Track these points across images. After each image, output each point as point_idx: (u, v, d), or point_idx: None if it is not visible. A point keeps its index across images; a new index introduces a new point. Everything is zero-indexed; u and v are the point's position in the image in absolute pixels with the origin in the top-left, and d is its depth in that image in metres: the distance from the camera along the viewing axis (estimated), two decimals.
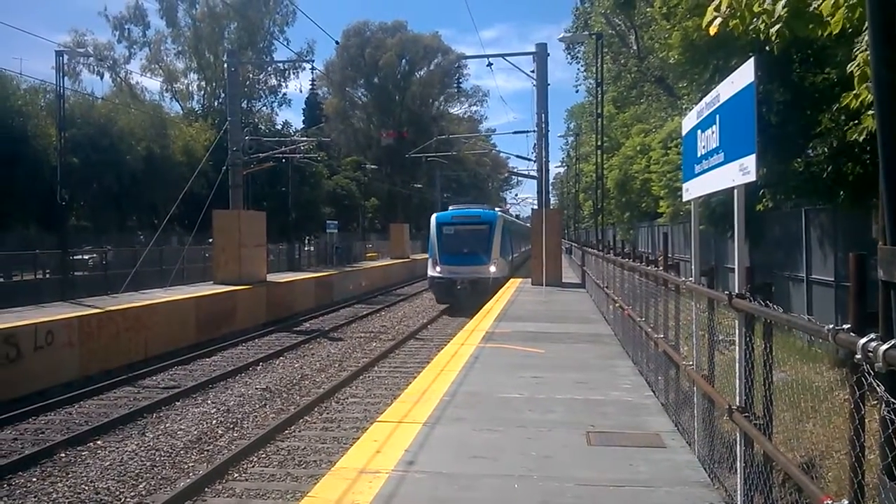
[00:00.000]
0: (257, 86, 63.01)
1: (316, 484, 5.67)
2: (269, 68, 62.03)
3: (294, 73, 63.85)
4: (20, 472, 9.93)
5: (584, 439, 6.86)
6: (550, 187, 48.35)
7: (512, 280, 28.68)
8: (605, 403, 8.32)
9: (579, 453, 6.46)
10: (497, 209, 36.68)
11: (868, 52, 5.58)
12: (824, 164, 11.36)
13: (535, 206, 30.37)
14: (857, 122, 8.81)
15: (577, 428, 7.21)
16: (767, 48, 9.14)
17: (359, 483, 5.62)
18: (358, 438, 7.27)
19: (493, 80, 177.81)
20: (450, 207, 34.94)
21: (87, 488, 9.35)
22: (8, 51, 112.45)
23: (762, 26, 6.15)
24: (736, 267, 5.45)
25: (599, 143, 29.52)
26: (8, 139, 28.37)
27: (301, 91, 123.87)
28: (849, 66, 6.09)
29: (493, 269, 29.39)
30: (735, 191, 5.34)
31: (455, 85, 53.66)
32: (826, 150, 11.17)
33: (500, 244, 30.19)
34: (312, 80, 47.47)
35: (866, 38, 5.64)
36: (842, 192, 11.48)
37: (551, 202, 46.22)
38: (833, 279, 12.53)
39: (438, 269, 29.98)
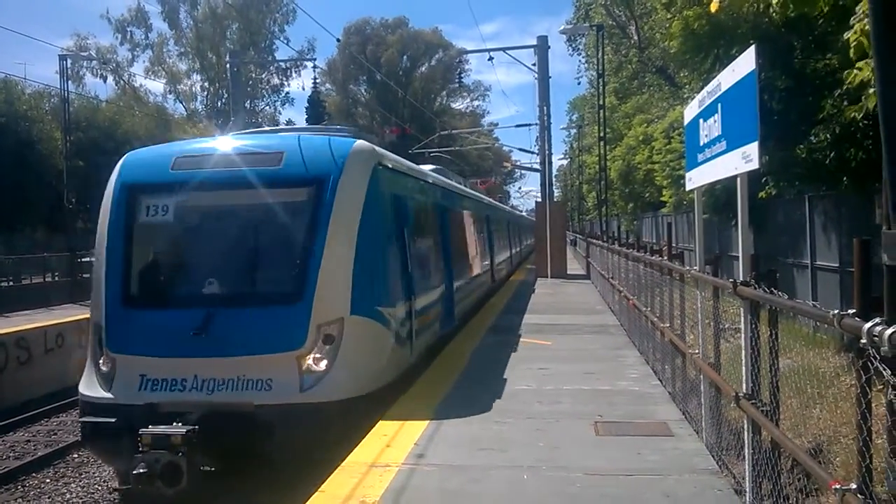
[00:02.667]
0: (260, 85, 63.01)
1: (326, 479, 5.71)
2: (272, 67, 62.02)
3: (296, 72, 63.89)
4: (34, 474, 10.03)
5: (593, 429, 6.88)
6: (554, 179, 48.33)
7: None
8: (612, 393, 8.33)
9: (587, 443, 6.49)
10: (379, 148, 9.28)
11: (866, 22, 5.58)
12: (827, 151, 11.33)
13: (539, 199, 30.33)
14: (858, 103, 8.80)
15: (584, 418, 7.24)
16: (767, 31, 9.13)
17: (369, 477, 5.66)
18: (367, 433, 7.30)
19: (494, 75, 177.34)
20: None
21: (100, 488, 9.43)
22: (11, 56, 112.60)
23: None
24: (740, 255, 5.47)
25: (602, 135, 29.46)
26: (14, 144, 28.54)
27: (304, 89, 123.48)
28: (845, 34, 6.06)
29: (317, 363, 7.30)
30: (738, 179, 5.35)
31: (457, 80, 53.58)
32: (828, 136, 11.14)
33: (358, 266, 7.71)
34: (315, 78, 47.50)
35: (864, 7, 5.64)
36: (844, 178, 11.45)
37: (555, 194, 46.00)
38: (838, 265, 12.50)
39: (105, 368, 7.60)
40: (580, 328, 13.59)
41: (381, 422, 7.25)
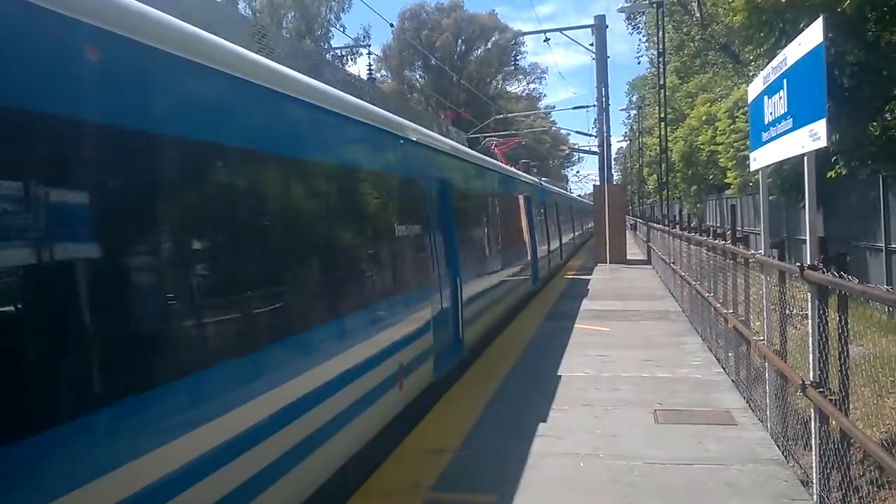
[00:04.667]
0: None
1: (382, 463, 5.76)
2: (328, 55, 62.71)
3: (352, 59, 64.38)
4: None
5: (652, 417, 6.75)
6: (613, 162, 47.44)
7: None
8: (672, 381, 8.16)
9: (647, 431, 6.37)
10: None
11: None
12: None
13: (597, 182, 29.87)
14: None
15: (644, 406, 7.11)
16: (839, 7, 8.71)
17: (424, 462, 5.69)
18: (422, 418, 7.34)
19: (550, 56, 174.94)
20: None
21: None
22: None
23: None
24: (807, 237, 5.25)
25: (663, 115, 28.75)
26: None
27: (359, 76, 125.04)
28: None
29: None
30: (805, 158, 5.13)
31: (512, 63, 53.08)
32: None
33: None
34: (370, 64, 47.84)
35: None
36: None
37: (614, 177, 45.15)
38: None
39: None
40: (640, 314, 13.35)
41: (437, 406, 7.28)
